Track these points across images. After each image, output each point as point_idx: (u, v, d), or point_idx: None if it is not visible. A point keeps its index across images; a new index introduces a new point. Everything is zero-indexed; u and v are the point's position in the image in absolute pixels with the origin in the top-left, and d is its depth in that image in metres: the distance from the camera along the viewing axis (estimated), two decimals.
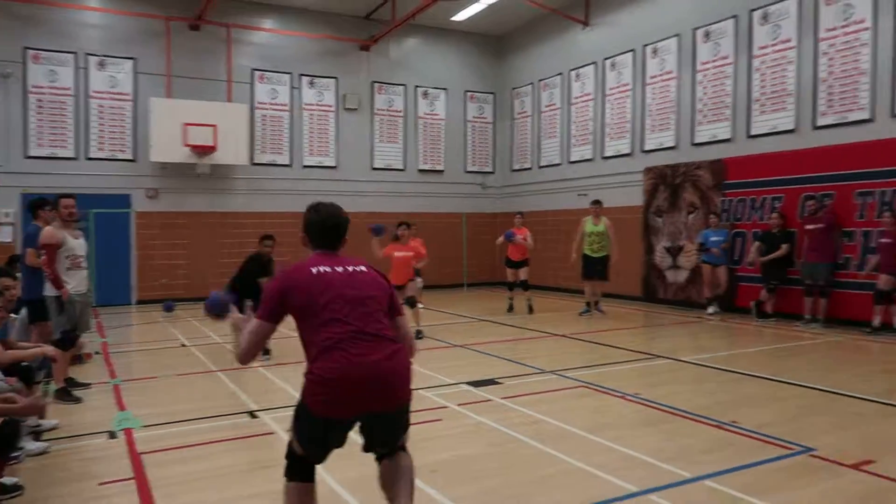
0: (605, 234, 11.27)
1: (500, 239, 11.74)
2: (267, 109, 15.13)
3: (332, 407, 2.58)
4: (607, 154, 14.36)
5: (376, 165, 16.38)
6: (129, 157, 13.84)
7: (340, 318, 2.63)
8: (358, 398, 2.59)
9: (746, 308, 10.92)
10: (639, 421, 5.23)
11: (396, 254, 8.98)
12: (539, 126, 16.51)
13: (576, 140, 15.30)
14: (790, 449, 4.44)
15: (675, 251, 12.64)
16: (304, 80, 15.50)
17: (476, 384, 6.39)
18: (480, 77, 17.67)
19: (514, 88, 17.37)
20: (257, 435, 4.95)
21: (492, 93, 17.83)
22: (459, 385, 6.39)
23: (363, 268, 2.85)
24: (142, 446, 4.65)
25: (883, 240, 9.04)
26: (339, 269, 2.76)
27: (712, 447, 4.52)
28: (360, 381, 2.57)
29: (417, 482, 3.07)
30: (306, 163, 15.54)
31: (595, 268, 11.31)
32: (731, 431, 4.85)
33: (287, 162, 15.34)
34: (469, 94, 17.53)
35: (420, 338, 8.86)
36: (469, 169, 17.59)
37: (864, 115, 9.74)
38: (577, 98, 15.25)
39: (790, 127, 10.74)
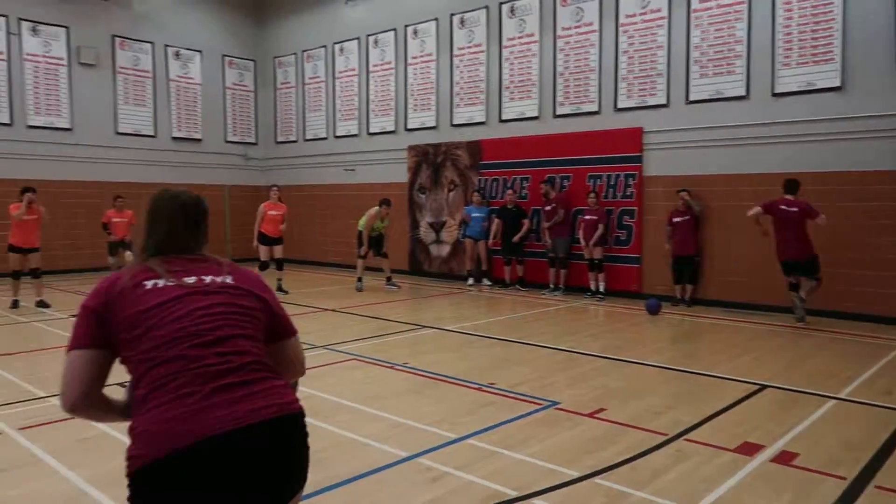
0: (387, 227, 11.82)
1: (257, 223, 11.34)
2: None
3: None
4: (373, 130, 14.54)
5: (121, 130, 14.72)
6: None
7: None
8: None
9: (502, 279, 11.89)
10: (407, 389, 5.44)
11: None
12: (304, 98, 16.14)
13: (341, 115, 15.23)
14: (539, 404, 4.96)
15: (438, 227, 13.29)
16: (25, 25, 13.31)
17: None
18: (239, 42, 16.70)
19: (276, 57, 16.72)
20: None
21: (252, 60, 16.97)
22: None
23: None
24: None
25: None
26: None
27: (473, 408, 4.87)
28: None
29: None
30: (32, 122, 13.44)
31: (380, 246, 11.75)
32: (489, 392, 5.27)
33: (6, 120, 13.11)
34: (227, 59, 16.49)
35: None
36: (230, 139, 16.62)
37: (594, 108, 11.06)
38: (341, 72, 15.16)
39: (535, 114, 11.82)
